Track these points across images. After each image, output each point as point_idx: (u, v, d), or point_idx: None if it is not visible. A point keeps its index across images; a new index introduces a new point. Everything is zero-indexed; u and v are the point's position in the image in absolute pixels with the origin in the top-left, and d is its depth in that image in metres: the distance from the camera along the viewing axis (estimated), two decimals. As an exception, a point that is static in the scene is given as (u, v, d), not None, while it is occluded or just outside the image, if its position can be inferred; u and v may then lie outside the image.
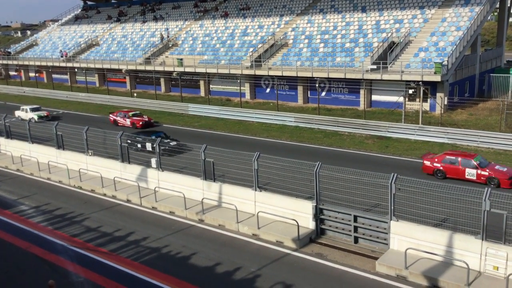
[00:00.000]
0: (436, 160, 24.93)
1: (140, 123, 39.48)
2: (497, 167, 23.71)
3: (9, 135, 31.69)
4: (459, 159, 24.20)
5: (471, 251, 14.87)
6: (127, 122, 39.99)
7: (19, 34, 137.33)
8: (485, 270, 14.71)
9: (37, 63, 69.99)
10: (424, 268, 15.14)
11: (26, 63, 72.83)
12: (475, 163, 23.69)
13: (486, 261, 14.65)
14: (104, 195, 24.08)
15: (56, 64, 66.79)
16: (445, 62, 36.78)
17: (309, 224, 18.33)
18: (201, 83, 53.09)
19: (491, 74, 44.64)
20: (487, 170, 23.32)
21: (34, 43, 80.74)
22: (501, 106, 32.96)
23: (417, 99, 37.74)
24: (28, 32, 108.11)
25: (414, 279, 14.98)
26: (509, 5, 50.79)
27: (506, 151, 28.68)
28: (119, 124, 40.47)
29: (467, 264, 14.19)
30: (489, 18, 54.05)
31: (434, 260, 15.46)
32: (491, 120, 34.29)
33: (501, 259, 14.35)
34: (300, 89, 45.52)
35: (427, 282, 14.76)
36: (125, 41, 66.22)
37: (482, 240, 14.67)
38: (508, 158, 27.52)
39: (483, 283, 14.24)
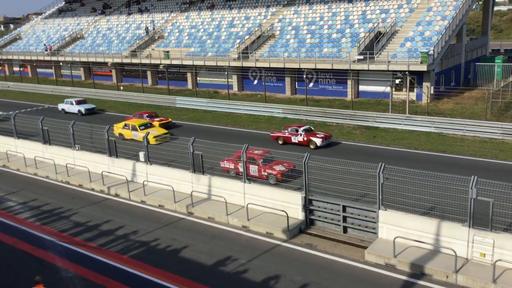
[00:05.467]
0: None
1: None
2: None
3: (-6, 130, 31.30)
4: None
5: (458, 238, 15.06)
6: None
7: (2, 28, 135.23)
8: (472, 257, 14.91)
9: (21, 57, 69.00)
10: (413, 256, 15.30)
11: (9, 57, 71.72)
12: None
13: (473, 248, 14.84)
14: (92, 189, 23.92)
15: (41, 58, 65.87)
16: (431, 52, 37.00)
17: (299, 215, 18.41)
18: (188, 75, 52.79)
19: (477, 63, 44.94)
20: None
21: (17, 37, 79.46)
22: (486, 95, 33.27)
23: (404, 89, 37.94)
24: (11, 26, 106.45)
25: (402, 267, 15.14)
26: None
27: (491, 139, 29.01)
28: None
29: (454, 252, 14.37)
30: (474, 7, 54.28)
31: (422, 248, 15.62)
32: (477, 109, 34.59)
33: (488, 246, 14.55)
34: (287, 80, 45.49)
35: (415, 270, 14.92)
36: (110, 34, 65.49)
37: (469, 227, 14.85)
38: (493, 146, 27.84)
39: (471, 270, 14.43)
